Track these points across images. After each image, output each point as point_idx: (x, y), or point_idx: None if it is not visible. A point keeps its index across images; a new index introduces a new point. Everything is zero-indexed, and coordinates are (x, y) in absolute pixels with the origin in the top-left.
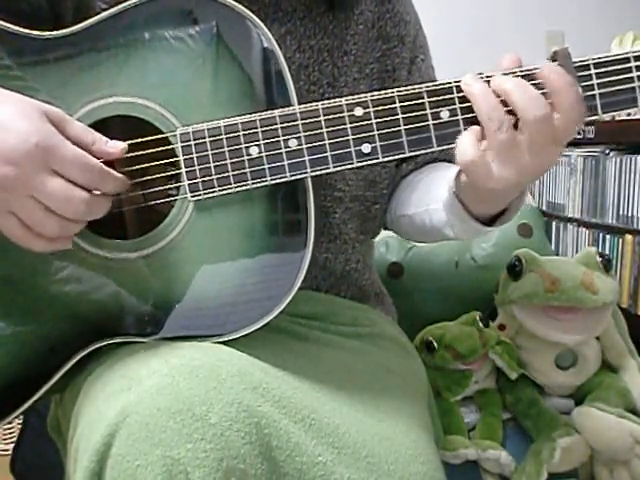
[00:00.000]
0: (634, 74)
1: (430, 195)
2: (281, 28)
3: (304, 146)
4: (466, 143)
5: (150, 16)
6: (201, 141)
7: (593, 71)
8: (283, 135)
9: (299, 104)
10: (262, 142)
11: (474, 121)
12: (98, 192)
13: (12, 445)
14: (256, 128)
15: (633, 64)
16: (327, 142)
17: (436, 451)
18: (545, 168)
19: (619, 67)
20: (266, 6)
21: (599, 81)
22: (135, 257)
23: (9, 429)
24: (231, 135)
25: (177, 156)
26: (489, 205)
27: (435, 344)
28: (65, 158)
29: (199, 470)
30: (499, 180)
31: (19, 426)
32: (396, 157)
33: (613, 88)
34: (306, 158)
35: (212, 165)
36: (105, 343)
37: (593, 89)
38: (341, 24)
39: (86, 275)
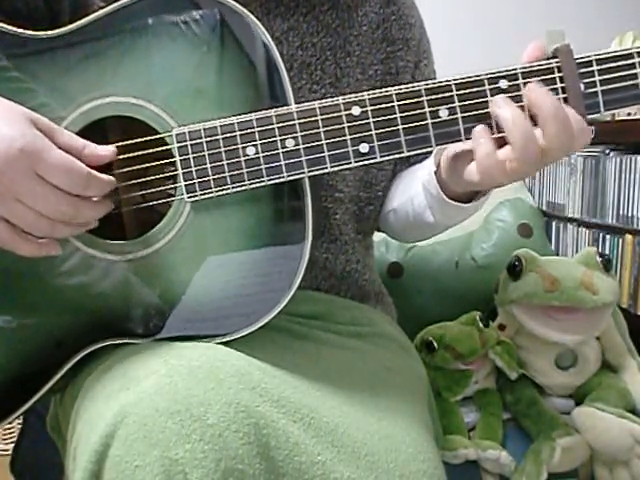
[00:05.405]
0: (637, 70)
1: (412, 183)
2: (284, 24)
3: (301, 146)
4: (487, 152)
5: (147, 14)
6: (197, 141)
7: (595, 67)
8: (280, 135)
9: (301, 104)
10: (259, 142)
11: (474, 119)
12: (96, 198)
13: (12, 445)
14: (253, 128)
15: (637, 60)
16: (324, 142)
17: (436, 449)
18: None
19: (622, 63)
20: (268, 1)
21: (601, 78)
22: (133, 258)
23: (9, 429)
24: (228, 135)
25: (174, 157)
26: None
27: (435, 344)
28: (50, 163)
29: (197, 471)
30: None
31: (19, 426)
32: (394, 156)
33: (616, 85)
34: (303, 158)
35: (209, 166)
36: (107, 343)
37: (595, 86)
38: (344, 24)
39: (88, 274)
